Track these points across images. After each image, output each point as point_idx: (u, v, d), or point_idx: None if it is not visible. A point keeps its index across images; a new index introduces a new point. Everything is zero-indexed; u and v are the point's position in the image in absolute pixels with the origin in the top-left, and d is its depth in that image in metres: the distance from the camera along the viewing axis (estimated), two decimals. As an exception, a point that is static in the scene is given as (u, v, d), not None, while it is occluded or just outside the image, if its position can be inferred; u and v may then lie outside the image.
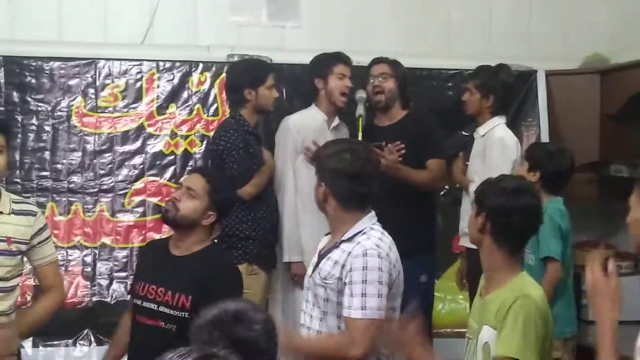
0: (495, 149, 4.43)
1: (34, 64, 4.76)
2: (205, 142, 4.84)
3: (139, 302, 3.37)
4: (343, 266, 2.93)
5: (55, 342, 4.65)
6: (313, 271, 3.07)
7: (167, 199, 3.62)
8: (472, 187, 4.41)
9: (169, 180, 4.86)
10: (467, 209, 4.31)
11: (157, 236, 4.73)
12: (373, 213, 3.06)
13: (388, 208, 4.28)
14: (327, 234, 3.20)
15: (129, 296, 3.72)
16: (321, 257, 3.06)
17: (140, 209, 4.81)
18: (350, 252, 2.92)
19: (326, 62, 4.53)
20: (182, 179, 3.85)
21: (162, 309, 3.28)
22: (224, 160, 4.16)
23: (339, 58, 4.53)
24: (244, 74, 4.38)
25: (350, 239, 2.97)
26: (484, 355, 2.74)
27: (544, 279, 3.90)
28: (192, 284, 3.24)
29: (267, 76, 4.36)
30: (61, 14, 4.96)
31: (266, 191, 4.38)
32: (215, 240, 3.74)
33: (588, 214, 4.82)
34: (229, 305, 2.03)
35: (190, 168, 4.82)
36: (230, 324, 1.96)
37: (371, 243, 2.93)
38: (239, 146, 4.17)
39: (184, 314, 3.21)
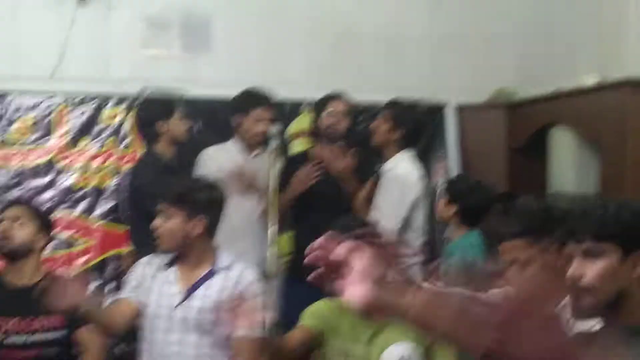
0: (394, 186, 4.40)
1: (-59, 97, 4.67)
2: (116, 176, 4.83)
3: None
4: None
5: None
6: (182, 301, 3.24)
7: None
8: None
9: (81, 214, 4.82)
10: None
11: (68, 271, 4.70)
12: None
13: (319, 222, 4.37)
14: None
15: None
16: (195, 287, 3.25)
17: (51, 244, 4.73)
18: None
19: (247, 101, 4.48)
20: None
21: (35, 337, 3.34)
22: (141, 198, 4.14)
23: (259, 102, 4.47)
24: (154, 108, 4.39)
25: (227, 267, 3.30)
26: None
27: None
28: None
29: (176, 107, 4.38)
30: (-31, 47, 4.89)
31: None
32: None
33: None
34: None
35: (103, 201, 4.81)
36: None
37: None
38: (152, 184, 4.16)
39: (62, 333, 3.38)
